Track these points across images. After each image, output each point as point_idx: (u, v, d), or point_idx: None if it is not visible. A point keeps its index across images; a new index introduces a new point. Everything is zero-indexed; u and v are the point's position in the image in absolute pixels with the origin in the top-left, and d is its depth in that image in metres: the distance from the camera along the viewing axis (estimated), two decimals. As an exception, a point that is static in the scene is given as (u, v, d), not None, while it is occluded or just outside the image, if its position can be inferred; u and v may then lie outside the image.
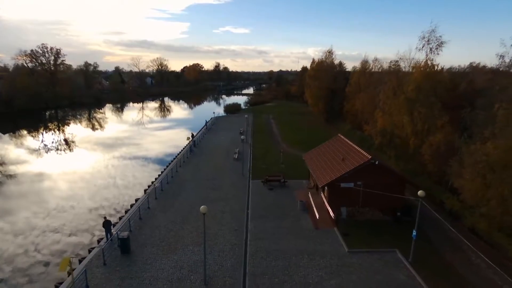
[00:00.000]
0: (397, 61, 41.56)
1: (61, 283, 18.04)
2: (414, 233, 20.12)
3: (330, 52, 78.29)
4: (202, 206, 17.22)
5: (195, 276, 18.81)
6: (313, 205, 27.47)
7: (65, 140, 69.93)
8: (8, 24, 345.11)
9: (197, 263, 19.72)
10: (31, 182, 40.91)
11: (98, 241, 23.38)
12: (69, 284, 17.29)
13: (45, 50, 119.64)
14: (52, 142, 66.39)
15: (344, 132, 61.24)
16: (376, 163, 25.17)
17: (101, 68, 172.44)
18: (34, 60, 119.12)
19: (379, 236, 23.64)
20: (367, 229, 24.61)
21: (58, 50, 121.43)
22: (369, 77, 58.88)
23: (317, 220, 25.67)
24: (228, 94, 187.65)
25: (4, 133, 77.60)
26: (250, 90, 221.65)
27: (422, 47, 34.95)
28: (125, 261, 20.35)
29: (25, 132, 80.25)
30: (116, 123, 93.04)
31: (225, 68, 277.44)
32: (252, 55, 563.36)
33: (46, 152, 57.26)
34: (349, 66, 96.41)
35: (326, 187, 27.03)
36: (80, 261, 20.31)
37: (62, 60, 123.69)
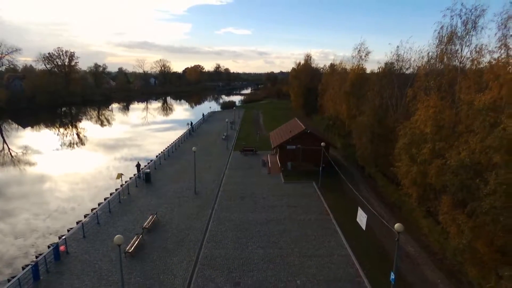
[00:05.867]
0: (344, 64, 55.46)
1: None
2: (320, 168, 33.83)
3: (308, 56, 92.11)
4: (193, 147, 30.96)
5: (190, 191, 32.55)
6: (269, 162, 41.21)
7: (78, 135, 77.86)
8: (10, 25, 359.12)
9: (191, 186, 33.18)
10: (32, 183, 42.23)
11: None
12: (119, 191, 31.03)
13: (61, 53, 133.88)
14: (62, 140, 71.38)
15: (316, 122, 75.19)
16: (308, 131, 38.74)
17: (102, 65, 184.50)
18: (51, 61, 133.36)
19: (308, 176, 37.07)
20: (302, 174, 38.15)
21: (72, 53, 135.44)
22: (335, 76, 72.39)
23: (270, 168, 39.39)
24: (228, 94, 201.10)
25: (24, 127, 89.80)
26: (249, 90, 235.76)
27: (356, 55, 48.67)
28: (148, 185, 34.16)
29: (42, 126, 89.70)
30: (120, 122, 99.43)
31: (226, 69, 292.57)
32: (253, 56, 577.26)
33: (53, 151, 60.48)
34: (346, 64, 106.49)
35: (278, 149, 40.67)
36: (121, 185, 33.86)
37: (76, 62, 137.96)
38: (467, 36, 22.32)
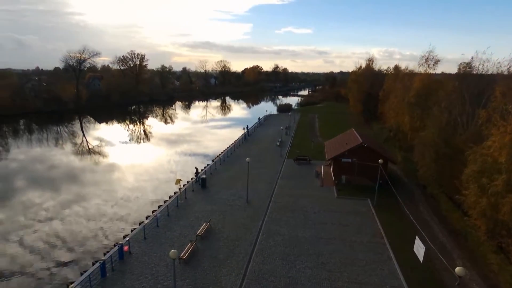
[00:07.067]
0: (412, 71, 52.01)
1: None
2: (377, 185, 32.30)
3: (371, 60, 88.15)
4: (247, 158, 31.71)
5: (242, 199, 33.42)
6: (323, 173, 40.47)
7: (144, 131, 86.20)
8: (92, 28, 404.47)
9: (243, 194, 33.99)
10: (104, 172, 47.77)
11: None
12: (177, 195, 33.06)
13: (133, 55, 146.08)
14: (130, 135, 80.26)
15: (375, 130, 71.77)
16: (365, 145, 37.20)
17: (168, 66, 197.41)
18: (124, 63, 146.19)
19: (362, 192, 35.70)
20: (356, 189, 36.83)
21: (143, 56, 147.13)
22: (398, 84, 68.22)
23: (323, 181, 38.68)
24: (285, 95, 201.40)
25: (100, 123, 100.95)
26: (306, 92, 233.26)
27: (423, 63, 45.38)
28: (204, 191, 35.83)
29: (115, 122, 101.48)
30: (182, 119, 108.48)
31: (284, 69, 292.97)
32: (312, 55, 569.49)
33: (122, 144, 68.24)
34: (414, 67, 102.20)
35: (332, 161, 39.76)
36: (179, 189, 36.00)
37: (145, 64, 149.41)
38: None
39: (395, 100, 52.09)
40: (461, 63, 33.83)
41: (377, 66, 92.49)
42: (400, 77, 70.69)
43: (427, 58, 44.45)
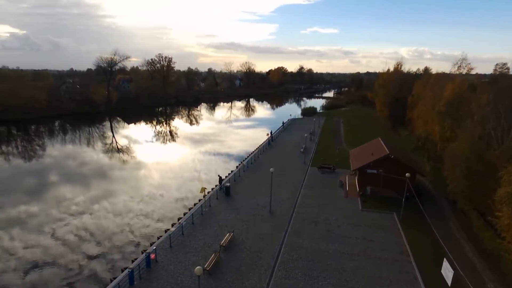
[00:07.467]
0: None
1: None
2: (403, 199, 31.53)
3: (399, 64, 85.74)
4: (271, 168, 31.90)
5: (265, 208, 33.62)
6: (347, 183, 39.94)
7: (170, 131, 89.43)
8: (122, 30, 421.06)
9: (266, 203, 34.19)
10: (131, 169, 50.11)
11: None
12: (202, 203, 33.79)
13: (161, 58, 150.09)
14: (157, 135, 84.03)
15: (402, 138, 69.81)
16: (392, 157, 36.35)
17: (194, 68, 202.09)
18: (153, 66, 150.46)
19: (388, 205, 34.92)
20: (382, 201, 36.06)
21: (170, 59, 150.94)
22: (429, 90, 65.89)
23: (347, 191, 38.19)
24: (309, 97, 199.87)
25: (128, 124, 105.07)
26: (331, 93, 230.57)
27: (455, 71, 43.67)
28: (228, 198, 36.35)
29: (142, 123, 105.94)
30: (206, 120, 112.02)
31: (309, 70, 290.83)
32: (337, 55, 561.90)
33: (149, 143, 72.51)
34: (445, 68, 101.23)
35: (357, 172, 39.15)
36: (204, 196, 36.78)
37: (172, 67, 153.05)
38: None
39: (424, 108, 50.47)
40: (497, 64, 32.76)
41: (406, 68, 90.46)
42: (430, 83, 68.47)
43: (459, 66, 42.86)
